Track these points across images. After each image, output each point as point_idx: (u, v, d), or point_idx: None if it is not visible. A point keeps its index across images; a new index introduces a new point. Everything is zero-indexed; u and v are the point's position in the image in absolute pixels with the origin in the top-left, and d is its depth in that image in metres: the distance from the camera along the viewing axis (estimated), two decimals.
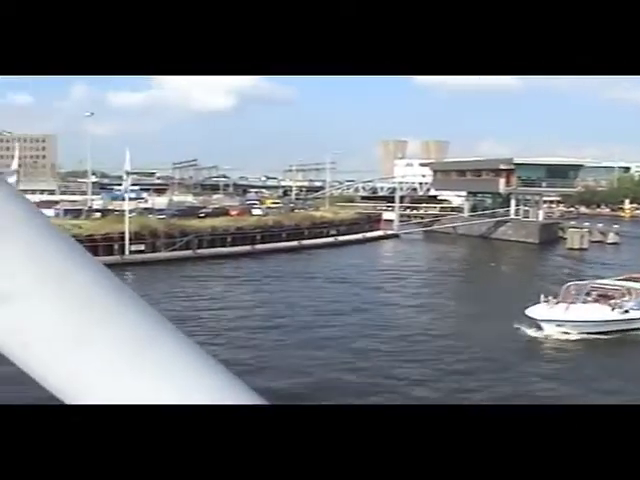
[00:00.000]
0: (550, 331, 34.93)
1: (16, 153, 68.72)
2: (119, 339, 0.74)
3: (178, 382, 0.76)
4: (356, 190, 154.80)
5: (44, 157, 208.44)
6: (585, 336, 34.55)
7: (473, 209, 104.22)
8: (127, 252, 58.33)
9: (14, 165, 64.25)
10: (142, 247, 61.08)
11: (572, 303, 36.05)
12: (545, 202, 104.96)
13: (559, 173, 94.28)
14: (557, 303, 36.24)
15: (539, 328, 35.19)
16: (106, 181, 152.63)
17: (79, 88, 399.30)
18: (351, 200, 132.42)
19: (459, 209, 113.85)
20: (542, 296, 36.51)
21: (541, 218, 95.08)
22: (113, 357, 0.74)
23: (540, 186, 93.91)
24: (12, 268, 0.70)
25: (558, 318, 35.11)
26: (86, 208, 79.98)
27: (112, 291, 0.75)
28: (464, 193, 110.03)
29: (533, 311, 35.65)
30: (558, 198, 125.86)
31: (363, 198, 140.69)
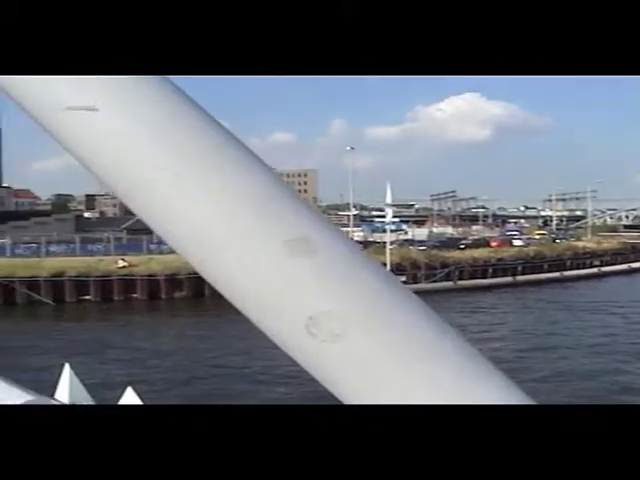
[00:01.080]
0: None
1: None
2: (439, 377, 0.72)
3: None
4: (619, 219, 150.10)
5: (306, 191, 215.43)
6: None
7: None
8: None
9: None
10: (403, 278, 61.87)
11: None
12: None
13: None
14: None
15: None
16: (365, 213, 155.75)
17: (338, 123, 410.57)
18: (614, 229, 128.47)
19: None
20: None
21: None
22: (432, 394, 0.72)
23: None
24: (342, 304, 0.70)
25: None
26: None
27: (432, 325, 0.74)
28: None
29: None
30: None
31: (626, 227, 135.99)
